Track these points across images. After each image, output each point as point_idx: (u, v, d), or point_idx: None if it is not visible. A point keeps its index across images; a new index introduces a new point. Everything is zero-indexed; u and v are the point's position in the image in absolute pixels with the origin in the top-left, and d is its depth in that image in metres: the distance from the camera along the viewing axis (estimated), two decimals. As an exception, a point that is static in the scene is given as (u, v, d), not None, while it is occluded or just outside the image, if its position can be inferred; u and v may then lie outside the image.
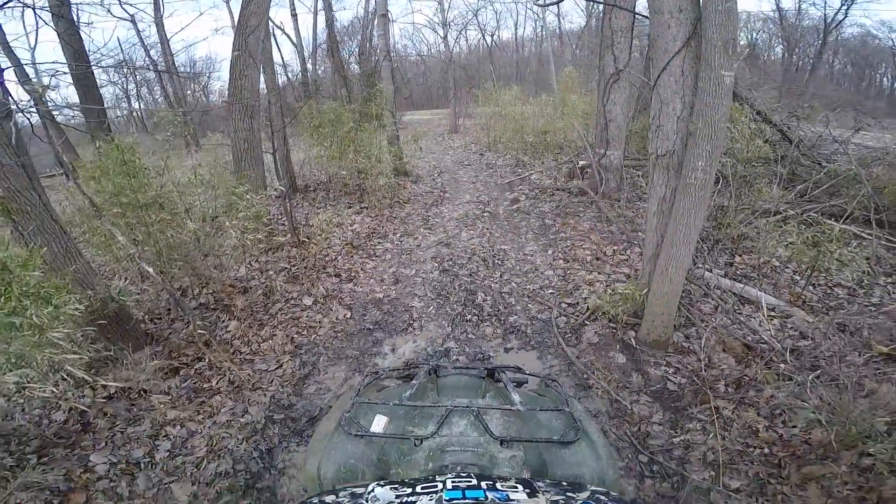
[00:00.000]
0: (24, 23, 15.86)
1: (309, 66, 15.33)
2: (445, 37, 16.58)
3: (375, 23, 9.32)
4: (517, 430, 1.07)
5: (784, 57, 22.14)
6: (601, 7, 6.60)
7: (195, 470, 2.42)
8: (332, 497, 0.69)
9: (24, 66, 7.56)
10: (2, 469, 2.27)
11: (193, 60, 24.23)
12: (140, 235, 3.51)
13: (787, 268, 4.01)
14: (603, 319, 3.46)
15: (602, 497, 0.69)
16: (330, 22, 12.44)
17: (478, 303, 3.92)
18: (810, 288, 3.70)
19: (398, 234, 5.60)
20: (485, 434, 1.02)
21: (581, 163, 6.80)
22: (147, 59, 16.87)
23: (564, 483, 0.74)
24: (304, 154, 7.51)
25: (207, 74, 24.03)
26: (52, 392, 2.49)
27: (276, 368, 3.25)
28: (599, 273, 4.17)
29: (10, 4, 4.59)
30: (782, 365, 2.75)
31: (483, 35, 23.86)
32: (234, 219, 3.61)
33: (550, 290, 4.03)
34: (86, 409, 2.69)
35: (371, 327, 3.71)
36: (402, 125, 9.10)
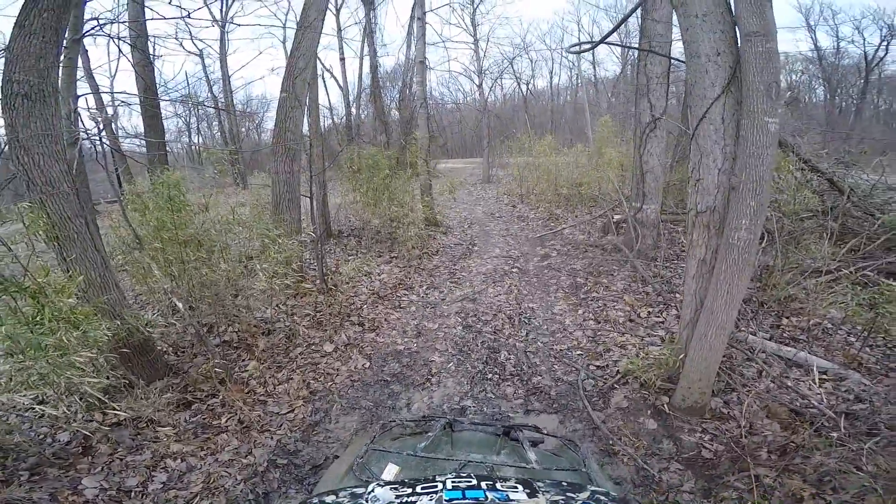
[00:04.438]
0: (108, 51, 17.57)
1: (353, 109, 16.06)
2: (480, 85, 16.95)
3: (415, 69, 9.62)
4: None
5: (826, 98, 20.88)
6: (636, 53, 6.62)
7: (184, 505, 2.32)
8: (332, 497, 0.68)
9: (101, 94, 8.18)
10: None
11: (250, 98, 25.58)
12: (176, 271, 3.61)
13: (841, 329, 3.69)
14: (634, 384, 3.26)
15: (602, 497, 0.68)
16: (374, 67, 13.04)
17: (500, 361, 3.75)
18: (867, 349, 3.36)
19: (424, 287, 5.56)
20: None
21: (616, 217, 6.64)
22: (209, 93, 17.94)
23: (564, 483, 0.72)
24: (342, 199, 7.71)
25: (261, 113, 25.44)
26: (64, 413, 2.48)
27: (288, 412, 3.19)
28: (632, 335, 3.94)
29: (93, 33, 5.02)
30: (834, 433, 2.48)
31: (518, 83, 24.43)
32: (265, 262, 3.67)
33: (579, 352, 3.83)
34: (89, 433, 2.67)
35: (388, 379, 3.61)
36: (436, 173, 9.24)
